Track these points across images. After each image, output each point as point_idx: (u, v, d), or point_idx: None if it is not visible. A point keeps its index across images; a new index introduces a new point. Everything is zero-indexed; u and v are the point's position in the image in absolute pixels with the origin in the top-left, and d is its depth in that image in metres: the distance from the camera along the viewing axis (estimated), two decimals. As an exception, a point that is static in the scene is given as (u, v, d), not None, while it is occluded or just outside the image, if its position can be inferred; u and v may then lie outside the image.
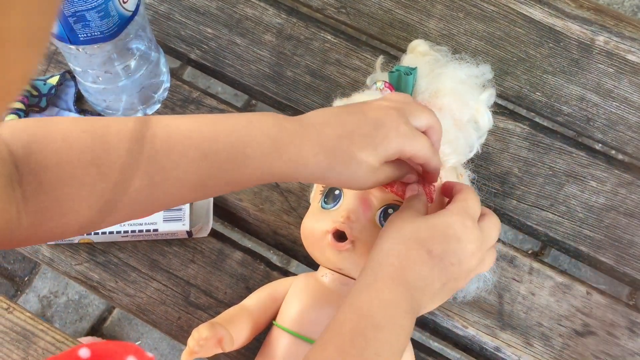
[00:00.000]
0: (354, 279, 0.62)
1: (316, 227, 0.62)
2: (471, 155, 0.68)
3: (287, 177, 0.52)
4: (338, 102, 0.68)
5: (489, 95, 0.69)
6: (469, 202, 0.55)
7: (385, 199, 0.61)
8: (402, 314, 0.49)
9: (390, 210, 0.60)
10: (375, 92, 0.64)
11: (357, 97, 0.65)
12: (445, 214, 0.54)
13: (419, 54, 0.71)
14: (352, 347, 0.47)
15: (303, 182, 0.57)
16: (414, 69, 0.66)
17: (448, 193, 0.61)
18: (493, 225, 0.56)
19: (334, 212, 0.61)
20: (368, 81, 0.70)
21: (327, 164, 0.51)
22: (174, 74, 0.81)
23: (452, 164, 0.63)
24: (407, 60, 0.71)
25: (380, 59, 0.72)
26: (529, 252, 1.36)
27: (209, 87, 1.44)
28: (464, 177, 0.66)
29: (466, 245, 0.53)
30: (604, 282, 1.33)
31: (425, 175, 0.60)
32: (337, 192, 0.62)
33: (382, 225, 0.60)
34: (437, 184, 0.62)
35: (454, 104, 0.65)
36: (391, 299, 0.49)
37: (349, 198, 0.61)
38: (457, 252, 0.52)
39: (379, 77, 0.69)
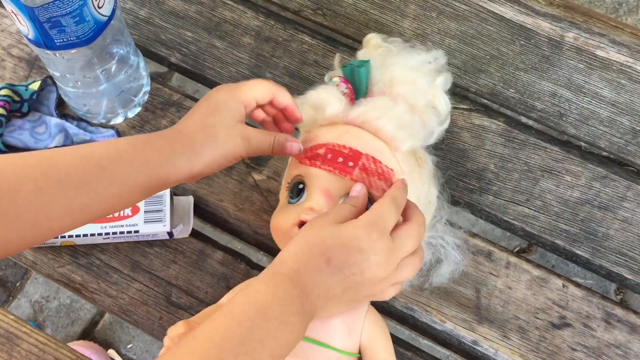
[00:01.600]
0: None
1: (283, 221, 0.63)
2: (432, 140, 0.70)
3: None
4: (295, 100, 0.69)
5: (444, 80, 0.70)
6: (382, 213, 0.56)
7: (345, 187, 0.62)
8: (292, 313, 0.51)
9: None
10: (332, 87, 0.65)
11: (312, 93, 0.66)
12: (353, 225, 0.55)
13: (372, 47, 0.72)
14: (238, 327, 0.48)
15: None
16: (367, 61, 0.67)
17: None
18: (408, 234, 0.56)
19: (299, 206, 0.62)
20: (326, 78, 0.71)
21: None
22: (161, 79, 0.82)
23: (408, 147, 0.63)
24: (361, 54, 0.73)
25: (338, 57, 0.74)
26: (516, 249, 1.37)
27: (197, 91, 1.45)
28: (423, 160, 0.67)
29: (369, 257, 0.53)
30: (592, 278, 1.34)
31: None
32: (300, 186, 0.63)
33: None
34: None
35: (408, 91, 0.67)
36: (284, 297, 0.51)
37: (312, 191, 0.62)
38: (358, 263, 0.53)
39: (335, 74, 0.71)
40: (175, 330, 0.59)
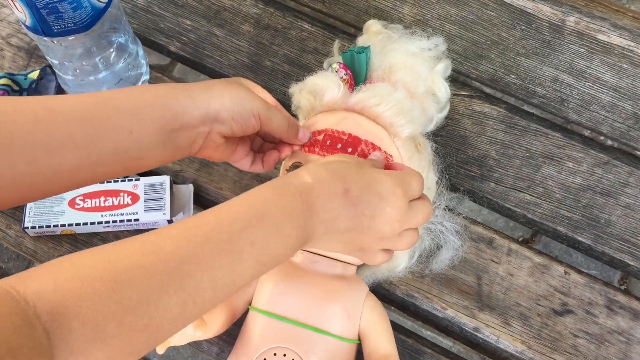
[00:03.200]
0: (324, 257, 0.63)
1: None
2: (432, 127, 0.69)
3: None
4: (293, 87, 0.69)
5: (444, 67, 0.70)
6: (411, 179, 0.55)
7: None
8: (292, 225, 0.48)
9: None
10: (331, 73, 0.65)
11: (311, 80, 0.66)
12: (383, 172, 0.54)
13: (372, 33, 0.72)
14: (230, 225, 0.46)
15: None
16: (367, 47, 0.67)
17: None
18: (423, 209, 0.56)
19: None
20: (325, 64, 0.71)
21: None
22: (163, 70, 0.82)
23: (408, 134, 0.63)
24: (361, 40, 0.72)
25: (337, 43, 0.73)
26: (520, 239, 1.37)
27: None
28: (422, 146, 0.66)
29: (386, 207, 0.52)
30: (595, 268, 1.33)
31: None
32: None
33: None
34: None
35: (407, 77, 0.66)
36: (288, 207, 0.49)
37: None
38: (373, 207, 0.52)
39: (335, 60, 0.70)
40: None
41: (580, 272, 0.72)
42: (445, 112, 0.73)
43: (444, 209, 0.69)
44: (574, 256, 1.34)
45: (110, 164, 0.51)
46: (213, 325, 0.62)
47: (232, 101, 0.55)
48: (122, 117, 0.50)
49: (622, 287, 1.35)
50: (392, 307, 0.72)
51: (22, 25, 0.66)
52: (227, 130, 0.56)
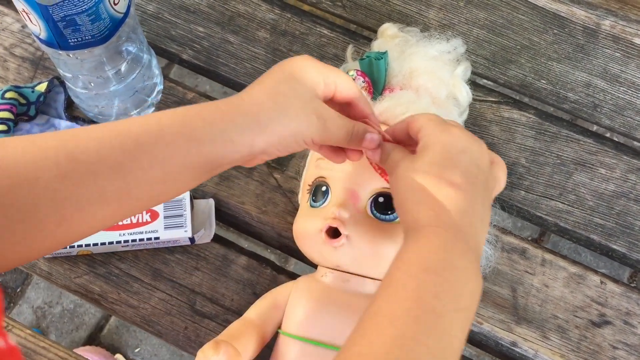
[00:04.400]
0: (355, 275, 0.60)
1: (308, 227, 0.60)
2: None
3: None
4: None
5: (464, 69, 0.68)
6: (431, 116, 0.53)
7: (373, 188, 0.59)
8: (457, 256, 0.45)
9: (380, 199, 0.59)
10: None
11: None
12: (431, 140, 0.50)
13: (388, 37, 0.70)
14: (405, 289, 0.43)
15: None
16: (384, 53, 0.65)
17: (403, 133, 0.55)
18: (501, 169, 0.55)
19: (323, 210, 0.60)
20: None
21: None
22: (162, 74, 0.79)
23: None
24: (377, 45, 0.70)
25: (350, 48, 0.71)
26: (529, 238, 1.36)
27: (197, 86, 1.41)
28: None
29: (471, 148, 0.49)
30: (605, 267, 1.33)
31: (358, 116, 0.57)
32: (324, 188, 0.61)
33: (373, 215, 0.59)
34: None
35: (429, 82, 0.64)
36: (440, 243, 0.45)
37: (336, 193, 0.60)
38: (470, 162, 0.49)
39: (351, 67, 0.68)
40: (205, 352, 0.56)
41: (616, 281, 0.70)
42: (464, 116, 0.71)
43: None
44: (582, 255, 1.33)
45: (141, 208, 0.49)
46: (245, 353, 0.59)
47: (281, 136, 0.49)
48: (154, 166, 0.45)
49: (632, 285, 1.34)
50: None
51: (36, 39, 0.62)
52: (271, 156, 0.51)
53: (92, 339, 1.30)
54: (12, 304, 1.33)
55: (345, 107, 0.55)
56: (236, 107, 0.48)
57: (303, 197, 0.64)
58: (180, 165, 0.46)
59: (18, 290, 1.35)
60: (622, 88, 0.77)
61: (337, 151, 0.56)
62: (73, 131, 0.45)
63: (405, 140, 0.55)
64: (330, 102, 0.54)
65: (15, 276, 1.36)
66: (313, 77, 0.51)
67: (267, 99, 0.49)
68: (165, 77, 0.78)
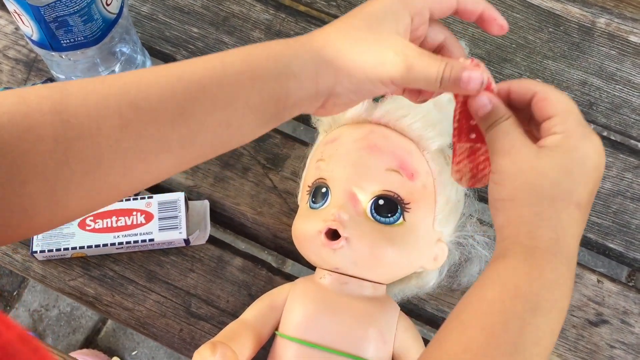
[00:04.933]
0: (354, 277, 0.59)
1: (307, 228, 0.60)
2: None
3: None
4: None
5: None
6: (572, 106, 0.44)
7: (374, 190, 0.58)
8: (565, 296, 0.41)
9: (381, 202, 0.58)
10: None
11: None
12: (569, 143, 0.42)
13: None
14: (505, 331, 0.39)
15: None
16: None
17: (520, 100, 0.47)
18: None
19: (323, 211, 0.59)
20: None
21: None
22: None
23: (437, 146, 0.60)
24: None
25: None
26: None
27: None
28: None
29: (603, 163, 0.44)
30: (602, 266, 1.32)
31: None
32: (324, 189, 0.60)
33: (373, 218, 0.58)
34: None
35: None
36: (554, 279, 0.41)
37: (336, 194, 0.59)
38: (598, 181, 0.44)
39: None
40: (202, 354, 0.55)
41: (613, 280, 0.70)
42: None
43: (476, 221, 0.67)
44: (580, 255, 1.32)
45: (207, 155, 0.45)
46: (242, 354, 0.59)
47: (351, 74, 0.43)
48: (217, 108, 0.42)
49: (630, 284, 1.34)
50: (421, 323, 0.70)
51: (28, 40, 0.62)
52: (346, 100, 0.46)
53: (89, 342, 1.30)
54: (8, 308, 1.33)
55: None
56: (303, 42, 0.44)
57: (302, 198, 0.64)
58: (244, 107, 0.43)
59: (15, 293, 1.34)
60: (617, 86, 0.77)
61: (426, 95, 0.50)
62: (136, 74, 0.42)
63: (516, 105, 0.46)
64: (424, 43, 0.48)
65: (11, 279, 1.35)
66: (395, 11, 0.45)
67: (336, 33, 0.44)
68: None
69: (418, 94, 0.51)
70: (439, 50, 0.49)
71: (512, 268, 0.42)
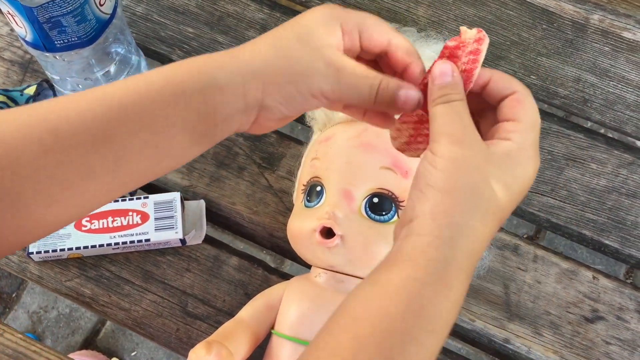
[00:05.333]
0: (349, 275, 0.60)
1: (302, 226, 0.60)
2: None
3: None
4: None
5: None
6: (539, 122, 0.42)
7: (368, 189, 0.59)
8: (458, 309, 0.39)
9: (375, 200, 0.58)
10: None
11: None
12: (522, 155, 0.40)
13: None
14: (400, 350, 0.36)
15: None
16: None
17: (494, 93, 0.45)
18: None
19: (318, 210, 0.59)
20: None
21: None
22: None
23: None
24: None
25: None
26: (525, 236, 1.35)
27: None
28: None
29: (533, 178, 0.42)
30: (601, 263, 1.32)
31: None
32: (318, 188, 0.60)
33: (368, 216, 0.58)
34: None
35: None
36: (458, 297, 0.38)
37: (331, 193, 0.59)
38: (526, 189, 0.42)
39: None
40: (197, 353, 0.55)
41: (608, 276, 0.70)
42: None
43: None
44: (579, 252, 1.32)
45: (139, 180, 0.43)
46: (237, 353, 0.59)
47: (279, 84, 0.42)
48: (142, 129, 0.40)
49: (629, 281, 1.34)
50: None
51: (22, 41, 0.62)
52: (278, 115, 0.44)
53: (88, 343, 1.30)
54: (7, 309, 1.33)
55: (384, 61, 0.46)
56: (230, 54, 0.42)
57: (297, 197, 0.64)
58: (171, 125, 0.41)
59: (13, 295, 1.34)
60: (611, 82, 0.77)
61: (379, 115, 0.48)
62: (58, 101, 0.41)
63: (486, 97, 0.45)
64: (361, 59, 0.45)
65: (10, 281, 1.36)
66: (326, 23, 0.43)
67: (264, 45, 0.43)
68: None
69: (383, 118, 0.47)
70: (382, 57, 0.47)
71: (420, 282, 0.37)
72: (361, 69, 0.43)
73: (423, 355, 0.37)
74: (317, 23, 0.43)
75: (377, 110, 0.45)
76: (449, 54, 0.45)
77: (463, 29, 0.45)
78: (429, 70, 0.44)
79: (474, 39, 0.44)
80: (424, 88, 0.44)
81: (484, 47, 0.44)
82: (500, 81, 0.44)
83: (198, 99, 0.41)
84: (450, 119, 0.41)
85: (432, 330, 0.37)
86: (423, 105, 0.44)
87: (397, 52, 0.45)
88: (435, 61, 0.45)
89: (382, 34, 0.45)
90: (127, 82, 0.41)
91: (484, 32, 0.44)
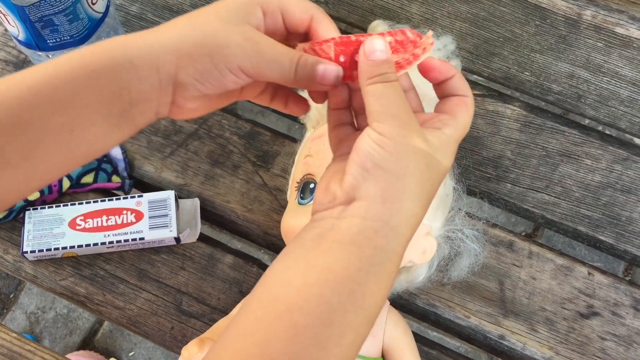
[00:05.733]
0: None
1: (296, 224, 0.60)
2: None
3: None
4: (300, 94, 0.66)
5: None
6: (471, 119, 0.44)
7: None
8: (390, 291, 0.40)
9: None
10: None
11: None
12: (448, 148, 0.41)
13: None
14: (337, 344, 0.36)
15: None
16: None
17: (433, 77, 0.46)
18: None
19: (311, 207, 0.59)
20: None
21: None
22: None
23: None
24: None
25: None
26: (522, 234, 1.35)
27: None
28: None
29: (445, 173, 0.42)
30: (599, 260, 1.32)
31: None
32: (312, 185, 0.60)
33: None
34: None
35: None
36: (392, 282, 0.39)
37: None
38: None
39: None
40: (189, 350, 0.55)
41: (604, 272, 0.70)
42: None
43: (464, 215, 0.67)
44: (577, 249, 1.32)
45: (59, 168, 0.41)
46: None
47: (193, 58, 0.40)
48: (55, 111, 0.38)
49: (627, 278, 1.34)
50: (412, 318, 0.70)
51: (15, 40, 0.62)
52: (195, 93, 0.42)
53: (86, 344, 1.30)
54: (5, 310, 1.33)
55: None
56: (146, 31, 0.41)
57: (291, 194, 0.64)
58: (84, 106, 0.39)
59: (11, 296, 1.34)
60: (605, 78, 0.77)
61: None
62: None
63: (430, 80, 0.45)
64: (285, 39, 0.45)
65: (7, 282, 1.36)
66: (247, 3, 0.42)
67: (182, 19, 0.42)
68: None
69: (323, 96, 0.46)
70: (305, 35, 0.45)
71: (365, 272, 0.37)
72: (281, 46, 0.42)
73: (359, 343, 0.37)
74: (237, 4, 0.42)
75: (297, 86, 0.44)
76: (399, 43, 0.44)
77: (430, 33, 0.45)
78: (347, 37, 0.42)
79: (424, 45, 0.44)
80: (319, 49, 0.43)
81: (423, 58, 0.44)
82: (461, 81, 0.45)
83: (109, 76, 0.39)
84: (394, 100, 0.40)
85: (369, 319, 0.37)
86: (342, 77, 0.43)
87: (318, 28, 0.44)
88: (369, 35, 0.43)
89: (303, 11, 0.44)
90: (36, 67, 0.40)
91: (434, 45, 0.45)
